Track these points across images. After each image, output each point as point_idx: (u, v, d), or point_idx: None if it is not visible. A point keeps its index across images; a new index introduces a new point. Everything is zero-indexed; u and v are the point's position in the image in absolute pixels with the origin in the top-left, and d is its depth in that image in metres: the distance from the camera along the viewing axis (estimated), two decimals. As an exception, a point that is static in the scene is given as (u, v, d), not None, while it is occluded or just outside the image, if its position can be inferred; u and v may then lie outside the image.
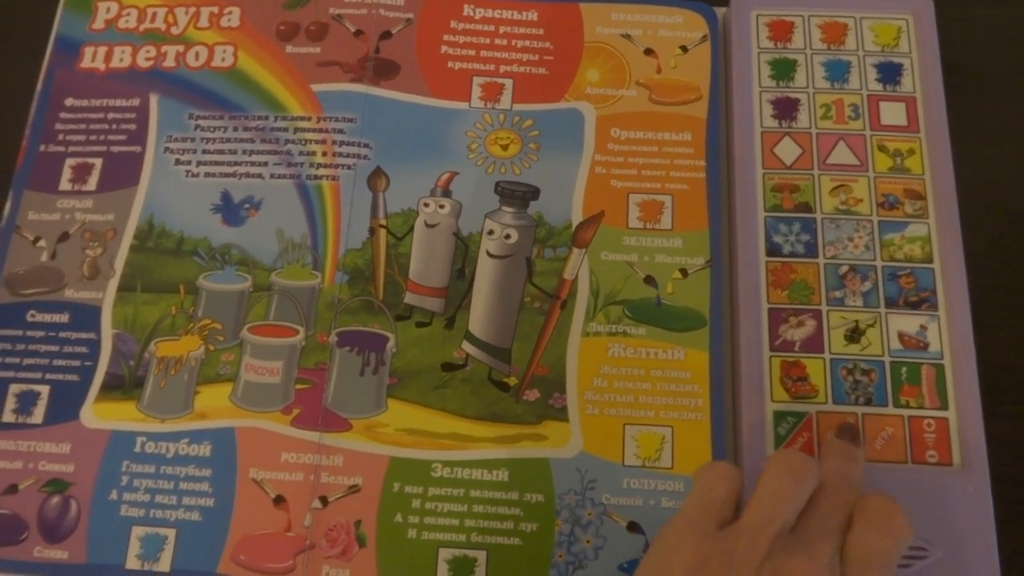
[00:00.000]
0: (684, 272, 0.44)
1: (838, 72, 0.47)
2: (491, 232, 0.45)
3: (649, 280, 0.44)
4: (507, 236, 0.45)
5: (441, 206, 0.46)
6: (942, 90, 0.46)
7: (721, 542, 0.32)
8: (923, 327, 0.42)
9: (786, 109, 0.46)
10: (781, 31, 0.48)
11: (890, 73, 0.47)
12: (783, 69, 0.47)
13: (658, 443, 0.41)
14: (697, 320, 0.43)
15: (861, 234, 0.43)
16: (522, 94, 0.48)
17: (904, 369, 0.41)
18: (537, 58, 0.49)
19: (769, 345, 0.42)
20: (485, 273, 0.45)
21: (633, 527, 0.40)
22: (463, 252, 0.45)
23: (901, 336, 0.42)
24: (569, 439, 0.41)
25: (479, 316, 0.44)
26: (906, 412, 0.40)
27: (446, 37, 0.49)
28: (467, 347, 0.43)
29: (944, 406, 0.40)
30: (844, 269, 0.43)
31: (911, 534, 0.33)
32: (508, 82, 0.48)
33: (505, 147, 0.47)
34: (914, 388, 0.41)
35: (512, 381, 0.43)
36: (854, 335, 0.42)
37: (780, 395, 0.41)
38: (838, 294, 0.42)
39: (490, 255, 0.45)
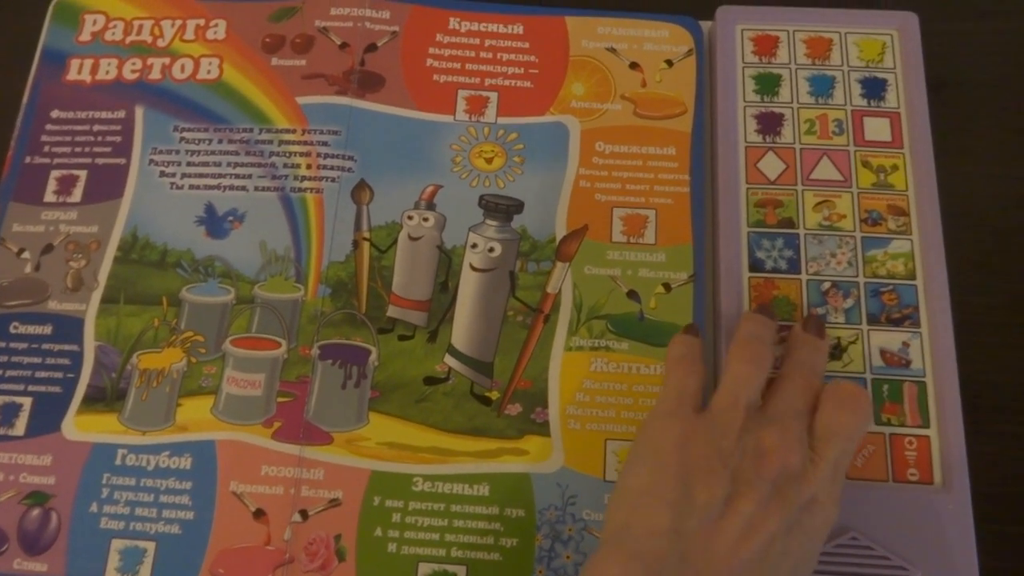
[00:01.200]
0: (667, 287, 0.44)
1: (822, 87, 0.47)
2: (475, 245, 0.45)
3: (632, 295, 0.44)
4: (491, 249, 0.45)
5: (425, 219, 0.46)
6: (926, 106, 0.46)
7: (701, 422, 0.36)
8: (905, 344, 0.42)
9: (770, 124, 0.46)
10: (766, 46, 0.48)
11: (874, 88, 0.47)
12: (767, 84, 0.47)
13: None
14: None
15: (844, 250, 0.43)
16: (507, 107, 0.48)
17: (886, 386, 0.41)
18: (522, 71, 0.49)
19: (751, 361, 0.42)
20: (468, 287, 0.45)
21: None
22: (446, 265, 0.45)
23: (883, 353, 0.41)
24: (550, 454, 0.41)
25: (462, 330, 0.44)
26: (887, 430, 0.40)
27: (431, 50, 0.49)
28: (450, 361, 0.43)
29: (926, 424, 0.40)
30: (826, 285, 0.43)
31: (871, 412, 0.37)
32: (493, 95, 0.48)
33: (489, 160, 0.47)
34: (896, 405, 0.41)
35: (494, 395, 0.43)
36: (836, 352, 0.41)
37: (761, 411, 0.41)
38: (820, 310, 0.42)
39: (473, 268, 0.45)
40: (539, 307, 0.44)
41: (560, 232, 0.45)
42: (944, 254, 0.43)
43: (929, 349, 0.41)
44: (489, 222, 0.45)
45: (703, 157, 0.46)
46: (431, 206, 0.46)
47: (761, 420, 0.35)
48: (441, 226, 0.46)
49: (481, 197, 0.46)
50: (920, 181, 0.44)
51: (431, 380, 0.43)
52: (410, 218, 0.46)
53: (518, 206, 0.46)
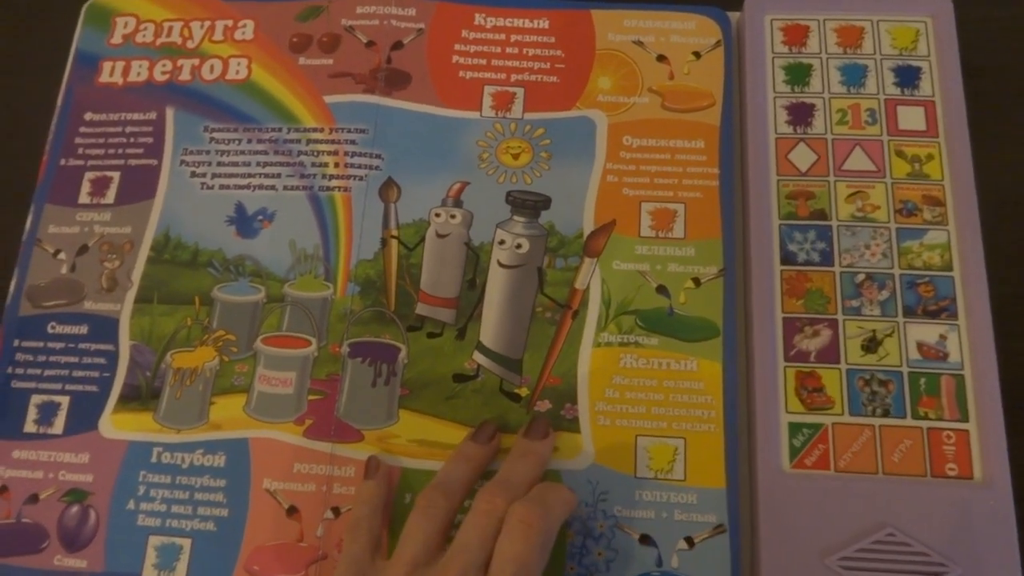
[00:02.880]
0: (697, 281, 0.43)
1: (854, 76, 0.46)
2: (502, 242, 0.45)
3: (661, 290, 0.43)
4: (518, 246, 0.45)
5: (452, 216, 0.46)
6: (962, 93, 0.45)
7: None
8: (943, 337, 0.41)
9: (801, 115, 0.45)
10: (796, 35, 0.47)
11: (908, 77, 0.46)
12: (798, 74, 0.46)
13: (671, 455, 0.41)
14: (710, 330, 0.42)
15: (878, 241, 0.43)
16: (533, 102, 0.48)
17: (923, 380, 0.40)
18: (548, 66, 0.48)
19: (784, 355, 0.41)
20: (496, 283, 0.45)
21: (645, 540, 0.39)
22: (474, 262, 0.45)
23: (920, 346, 0.41)
24: (580, 450, 0.41)
25: (490, 326, 0.44)
26: (925, 424, 0.39)
27: (457, 46, 0.49)
28: (478, 358, 0.43)
29: (964, 418, 0.39)
30: (861, 277, 0.42)
31: (544, 533, 0.35)
32: (519, 91, 0.48)
33: (516, 156, 0.46)
34: (933, 399, 0.40)
35: (523, 392, 0.43)
36: (871, 345, 0.41)
37: (795, 406, 0.40)
38: (854, 303, 0.42)
39: (501, 265, 0.45)
40: (567, 303, 0.44)
41: (588, 227, 0.45)
42: (982, 244, 0.42)
43: (967, 341, 0.40)
44: (516, 218, 0.45)
45: (732, 150, 0.46)
46: (458, 203, 0.46)
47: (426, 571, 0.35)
48: (468, 223, 0.45)
49: (508, 193, 0.46)
50: (956, 170, 0.43)
51: (460, 377, 0.43)
52: (437, 215, 0.46)
53: (545, 202, 0.45)
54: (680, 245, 0.44)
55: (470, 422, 0.42)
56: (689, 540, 0.39)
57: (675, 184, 0.45)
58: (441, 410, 0.42)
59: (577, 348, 0.43)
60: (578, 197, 0.45)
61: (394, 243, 0.45)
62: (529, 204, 0.45)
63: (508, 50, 0.49)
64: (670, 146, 0.46)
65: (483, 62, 0.49)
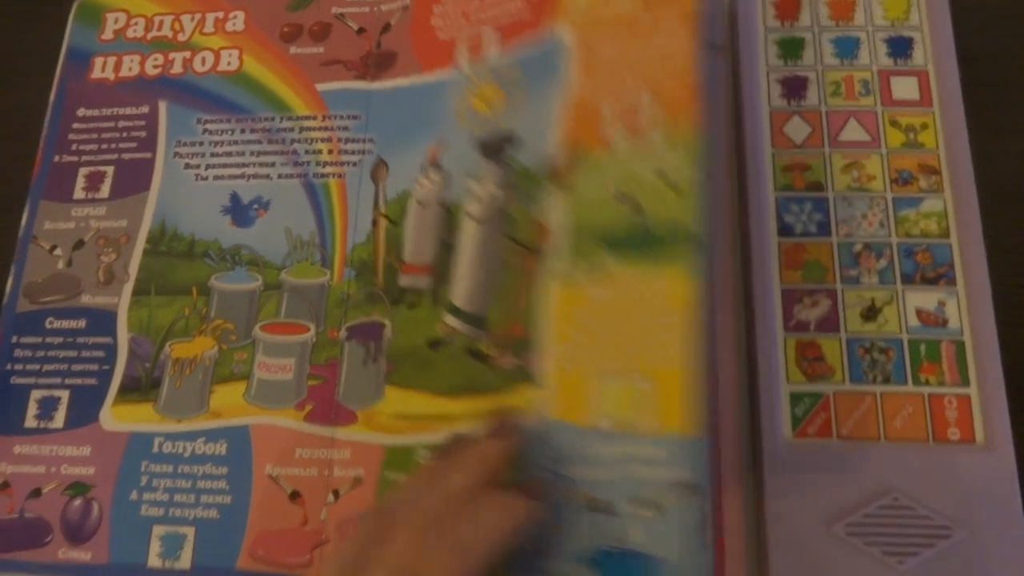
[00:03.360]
0: (675, 187, 0.37)
1: (847, 48, 0.46)
2: (472, 193, 0.43)
3: (631, 204, 0.38)
4: (488, 195, 0.42)
5: (432, 180, 0.44)
6: (955, 62, 0.45)
7: None
8: (941, 303, 0.41)
9: (795, 88, 0.45)
10: (788, 10, 0.47)
11: (901, 47, 0.46)
12: (791, 48, 0.46)
13: (634, 398, 0.35)
14: (686, 237, 0.37)
15: (875, 211, 0.43)
16: (505, 40, 0.45)
17: (923, 346, 0.40)
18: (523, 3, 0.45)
19: (784, 326, 0.41)
20: (466, 238, 0.43)
21: (598, 505, 0.35)
22: (447, 221, 0.43)
23: (919, 313, 0.41)
24: (531, 404, 0.37)
25: (460, 285, 0.42)
26: (926, 390, 0.39)
27: (436, 8, 0.47)
28: (449, 320, 0.42)
29: (965, 382, 0.39)
30: (858, 247, 0.42)
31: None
32: (489, 31, 0.45)
33: (489, 102, 0.44)
34: (934, 365, 0.40)
35: (490, 349, 0.40)
36: (870, 313, 0.41)
37: (796, 376, 0.40)
38: (853, 272, 0.42)
39: (472, 218, 0.43)
40: (532, 243, 0.40)
41: (554, 156, 0.41)
42: (979, 210, 0.42)
43: (966, 307, 0.40)
44: (486, 166, 0.43)
45: (717, 31, 0.42)
46: (436, 166, 0.45)
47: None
48: (447, 184, 0.44)
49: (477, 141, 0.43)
50: (951, 138, 0.43)
51: (435, 343, 0.42)
52: (420, 184, 0.45)
53: (509, 138, 0.42)
54: (653, 145, 0.38)
55: (443, 390, 0.40)
56: (652, 504, 0.34)
57: (647, 79, 0.39)
58: (419, 381, 0.41)
59: (541, 291, 0.39)
60: (547, 127, 0.41)
61: (383, 221, 0.45)
62: (493, 145, 0.43)
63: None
64: (645, 47, 0.40)
65: (461, 21, 0.46)
